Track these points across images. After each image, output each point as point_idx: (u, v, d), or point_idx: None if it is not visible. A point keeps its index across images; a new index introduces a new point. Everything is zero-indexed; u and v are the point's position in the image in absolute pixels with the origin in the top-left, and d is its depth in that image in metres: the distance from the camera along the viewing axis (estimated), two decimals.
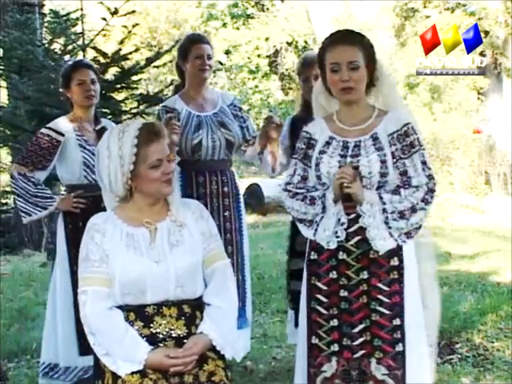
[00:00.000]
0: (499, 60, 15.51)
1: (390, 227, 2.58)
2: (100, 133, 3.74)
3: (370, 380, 2.58)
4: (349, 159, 2.63)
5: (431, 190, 2.64)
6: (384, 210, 2.58)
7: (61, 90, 3.81)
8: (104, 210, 3.57)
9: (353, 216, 2.63)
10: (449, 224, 9.70)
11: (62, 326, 3.64)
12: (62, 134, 3.65)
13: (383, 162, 2.61)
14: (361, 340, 2.60)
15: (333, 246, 2.64)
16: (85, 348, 3.55)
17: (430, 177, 2.65)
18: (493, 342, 4.39)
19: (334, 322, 2.64)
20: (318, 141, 2.74)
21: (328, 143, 2.71)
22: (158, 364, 2.32)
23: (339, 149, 2.67)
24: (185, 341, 2.39)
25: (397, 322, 2.59)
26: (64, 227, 3.70)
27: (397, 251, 2.62)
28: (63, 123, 3.71)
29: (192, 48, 3.77)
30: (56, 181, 3.86)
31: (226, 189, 3.75)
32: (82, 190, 3.67)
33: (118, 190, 2.43)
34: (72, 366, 3.65)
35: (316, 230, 2.69)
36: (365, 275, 2.61)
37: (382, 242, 2.59)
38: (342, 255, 2.64)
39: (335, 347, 2.63)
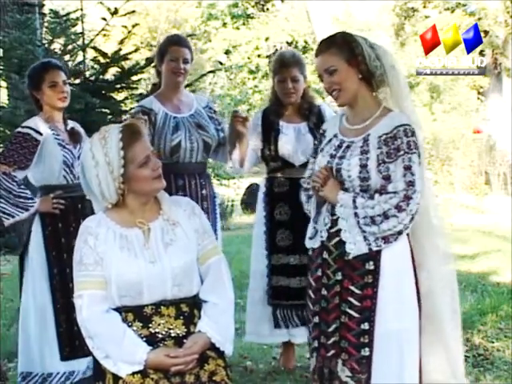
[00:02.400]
0: (499, 60, 15.52)
1: (364, 231, 2.55)
2: (71, 133, 3.71)
3: (336, 380, 2.59)
4: (336, 160, 2.63)
5: (408, 197, 2.51)
6: (356, 214, 2.55)
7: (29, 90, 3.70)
8: (82, 211, 3.58)
9: (336, 217, 2.63)
10: (449, 224, 9.69)
11: (40, 332, 3.55)
12: (41, 133, 3.57)
13: (363, 166, 2.56)
14: (332, 340, 2.60)
15: (316, 245, 2.67)
16: (68, 353, 3.54)
17: (410, 183, 2.52)
18: (493, 342, 4.40)
19: (316, 319, 2.67)
20: (326, 137, 2.76)
21: (329, 141, 2.72)
22: (158, 364, 2.32)
23: (333, 148, 2.67)
24: (184, 340, 2.39)
25: (365, 326, 2.55)
26: (42, 229, 3.60)
27: (374, 255, 2.56)
28: (39, 122, 3.62)
29: (169, 50, 3.74)
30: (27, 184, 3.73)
31: (204, 192, 3.74)
32: (61, 191, 3.60)
33: (111, 196, 2.40)
34: (53, 372, 3.57)
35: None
36: (339, 276, 2.60)
37: (351, 246, 2.57)
38: (325, 254, 2.65)
39: (315, 344, 2.66)
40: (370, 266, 2.57)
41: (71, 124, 3.77)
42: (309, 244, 2.73)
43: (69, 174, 3.62)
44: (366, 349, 2.55)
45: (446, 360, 2.69)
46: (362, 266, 2.57)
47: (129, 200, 2.44)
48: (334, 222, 2.63)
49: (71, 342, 3.54)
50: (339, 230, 2.61)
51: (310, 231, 2.74)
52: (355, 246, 2.56)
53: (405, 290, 2.62)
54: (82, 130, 3.82)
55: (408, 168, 2.53)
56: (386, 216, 2.52)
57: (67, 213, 3.62)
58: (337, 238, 2.62)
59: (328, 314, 2.62)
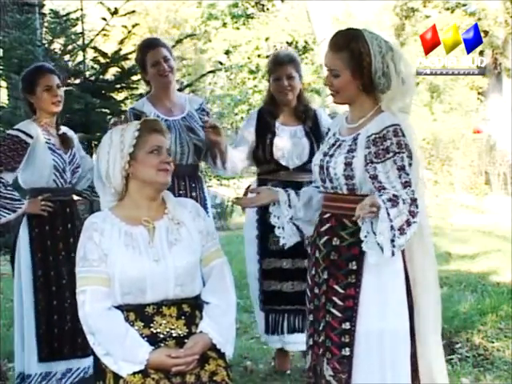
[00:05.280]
0: (499, 60, 15.52)
1: (394, 246, 2.40)
2: (62, 138, 3.69)
3: (323, 379, 2.59)
4: (327, 158, 2.62)
5: (414, 200, 2.44)
6: (392, 228, 2.38)
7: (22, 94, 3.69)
8: (70, 215, 3.63)
9: (327, 215, 2.62)
10: (449, 224, 9.70)
11: (28, 333, 3.57)
12: (31, 136, 3.55)
13: (348, 164, 2.54)
14: (321, 339, 2.61)
15: (284, 241, 2.79)
16: (45, 354, 3.55)
17: (407, 184, 2.47)
18: (493, 342, 4.39)
19: (311, 317, 2.68)
20: (327, 136, 2.77)
21: (328, 140, 2.72)
22: (159, 364, 2.32)
23: (327, 146, 2.68)
24: (185, 340, 2.39)
25: (346, 325, 2.53)
26: (28, 231, 3.59)
27: (357, 255, 2.53)
28: (31, 126, 3.61)
29: (146, 57, 3.72)
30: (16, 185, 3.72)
31: (194, 194, 3.71)
32: (50, 194, 3.59)
33: (115, 177, 2.44)
34: (32, 373, 3.57)
35: None
36: (325, 275, 2.60)
37: (375, 258, 2.45)
38: (316, 253, 2.66)
39: (310, 341, 2.67)
40: (353, 265, 2.55)
41: (63, 129, 3.75)
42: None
43: (59, 178, 3.61)
44: (347, 348, 2.53)
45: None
46: (345, 266, 2.56)
47: (132, 191, 2.46)
48: (325, 221, 2.63)
49: (50, 344, 3.55)
50: (329, 229, 2.60)
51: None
52: (380, 258, 2.44)
53: (389, 291, 2.56)
54: (74, 136, 3.82)
55: (402, 168, 2.48)
56: (408, 223, 2.42)
57: (55, 216, 3.62)
58: (326, 237, 2.61)
59: (319, 312, 2.63)
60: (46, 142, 3.60)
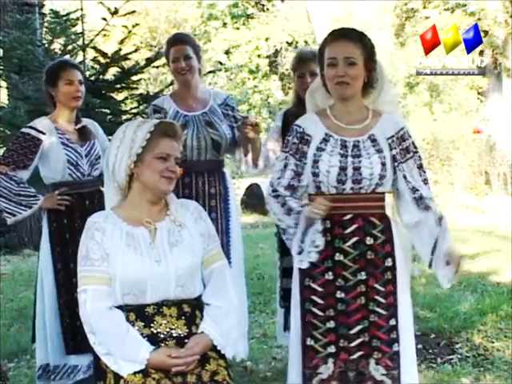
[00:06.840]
0: (499, 60, 15.52)
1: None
2: (81, 132, 3.74)
3: (369, 381, 2.58)
4: (350, 159, 2.63)
5: (432, 199, 2.72)
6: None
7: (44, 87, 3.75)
8: (89, 207, 3.63)
9: (349, 217, 2.63)
10: (449, 224, 9.69)
11: (50, 325, 3.62)
12: (43, 133, 3.62)
13: (383, 164, 2.63)
14: (358, 341, 2.60)
15: (304, 265, 2.64)
16: (71, 347, 3.59)
17: (426, 181, 2.69)
18: (493, 342, 4.39)
19: (331, 324, 2.63)
20: (313, 136, 2.69)
21: (325, 140, 2.68)
22: (159, 364, 2.32)
23: (338, 147, 2.65)
24: (185, 340, 2.39)
25: (393, 322, 2.61)
26: (48, 226, 3.66)
27: (391, 252, 2.64)
28: (44, 122, 3.67)
29: (170, 51, 3.74)
30: (40, 182, 3.78)
31: (212, 190, 3.70)
32: (67, 188, 3.65)
33: (120, 174, 2.44)
34: (61, 364, 3.61)
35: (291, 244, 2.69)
36: (362, 276, 2.61)
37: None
38: (338, 256, 2.64)
39: (332, 349, 2.62)
40: (389, 262, 2.63)
41: (84, 122, 3.79)
42: (297, 263, 2.66)
43: (74, 172, 3.66)
44: (396, 344, 2.61)
45: None
46: (382, 264, 2.62)
47: (134, 192, 2.46)
48: (348, 222, 2.64)
49: (74, 336, 3.58)
50: (357, 229, 2.63)
51: (295, 248, 2.66)
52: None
53: (406, 286, 2.71)
54: (97, 127, 3.86)
55: (421, 166, 2.69)
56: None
57: (73, 209, 3.67)
58: (354, 238, 2.63)
59: (348, 316, 2.61)
60: (59, 137, 3.65)
